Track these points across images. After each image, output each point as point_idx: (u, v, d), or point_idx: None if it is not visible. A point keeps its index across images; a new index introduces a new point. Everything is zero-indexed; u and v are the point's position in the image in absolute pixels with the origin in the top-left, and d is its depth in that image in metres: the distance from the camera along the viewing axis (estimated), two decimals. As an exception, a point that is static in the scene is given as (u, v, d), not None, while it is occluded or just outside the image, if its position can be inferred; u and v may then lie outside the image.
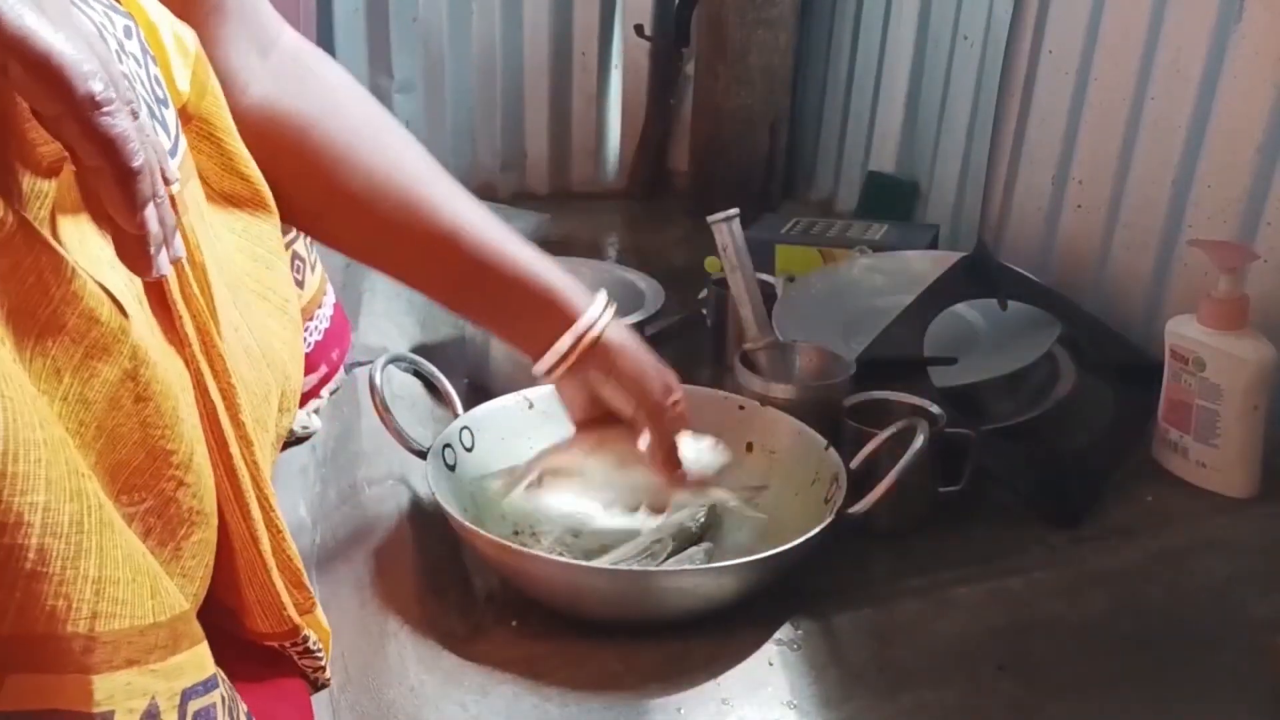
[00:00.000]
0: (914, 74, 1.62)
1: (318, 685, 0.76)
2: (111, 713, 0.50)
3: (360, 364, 1.20)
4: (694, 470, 0.90)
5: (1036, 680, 0.80)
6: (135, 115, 0.49)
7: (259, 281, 0.77)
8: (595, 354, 0.85)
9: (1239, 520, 0.99)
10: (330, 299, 1.01)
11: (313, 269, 0.97)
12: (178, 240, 0.54)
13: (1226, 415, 1.01)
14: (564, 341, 0.84)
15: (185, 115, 0.70)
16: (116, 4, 0.62)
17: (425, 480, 0.91)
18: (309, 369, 0.97)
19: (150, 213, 0.50)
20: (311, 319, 0.97)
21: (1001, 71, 1.42)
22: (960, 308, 1.19)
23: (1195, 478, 1.04)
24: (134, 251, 0.51)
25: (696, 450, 0.91)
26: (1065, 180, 1.35)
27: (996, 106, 1.44)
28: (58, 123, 0.47)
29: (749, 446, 0.99)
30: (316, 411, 1.11)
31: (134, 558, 0.52)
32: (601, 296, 0.87)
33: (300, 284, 0.94)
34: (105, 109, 0.47)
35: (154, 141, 0.51)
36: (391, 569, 0.90)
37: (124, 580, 0.51)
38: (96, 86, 0.46)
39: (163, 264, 0.52)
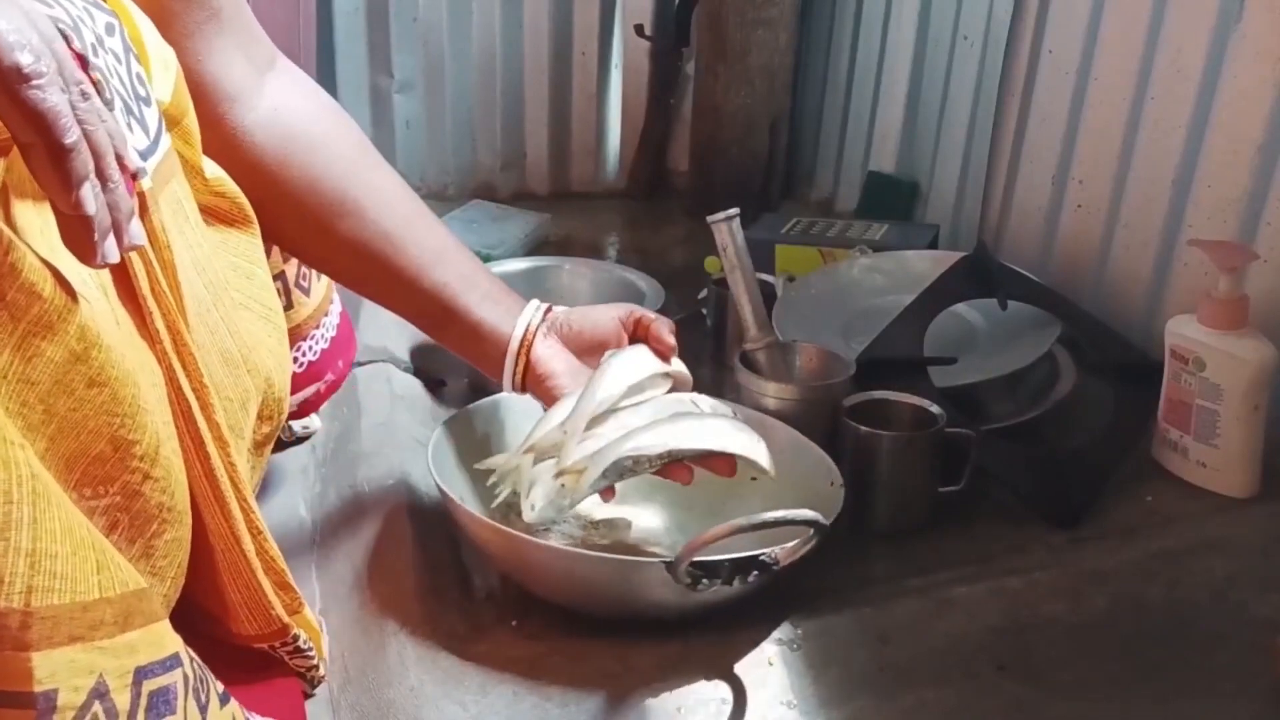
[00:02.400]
0: (914, 74, 1.62)
1: (313, 683, 0.76)
2: (55, 691, 0.48)
3: (360, 364, 1.20)
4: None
5: (1036, 680, 0.80)
6: (86, 96, 0.48)
7: (240, 291, 0.77)
8: (533, 372, 0.91)
9: (1239, 520, 0.99)
10: (336, 307, 1.02)
11: (319, 277, 0.98)
12: (135, 228, 0.52)
13: (1226, 415, 1.01)
14: (507, 366, 0.91)
15: (167, 123, 0.69)
16: (100, 0, 0.62)
17: (428, 470, 0.90)
18: (315, 377, 0.97)
19: (87, 193, 0.48)
20: (318, 326, 0.97)
21: (1001, 71, 1.42)
22: (960, 308, 1.19)
23: (1195, 478, 1.04)
24: (77, 235, 0.49)
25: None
26: (1065, 180, 1.35)
27: (996, 106, 1.44)
28: None
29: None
30: (316, 412, 1.11)
31: (75, 531, 0.50)
32: (528, 310, 0.92)
33: (306, 291, 0.94)
34: (34, 82, 0.46)
35: (110, 125, 0.50)
36: (391, 569, 0.90)
37: (63, 554, 0.49)
38: (24, 58, 0.46)
39: (109, 251, 0.50)
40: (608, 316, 0.93)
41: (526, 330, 0.91)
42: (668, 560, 0.77)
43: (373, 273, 0.89)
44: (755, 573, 0.79)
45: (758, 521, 0.77)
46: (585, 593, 0.83)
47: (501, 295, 0.92)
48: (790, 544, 0.80)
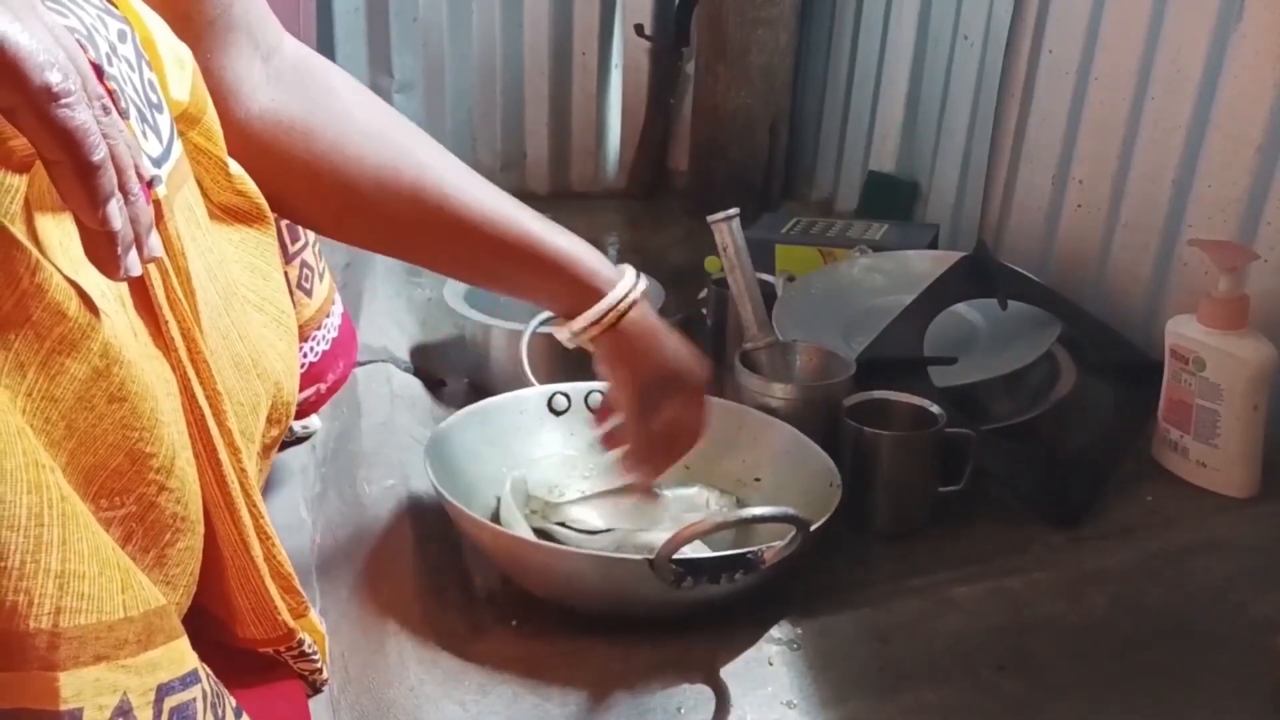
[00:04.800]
0: (914, 74, 1.62)
1: (316, 686, 0.76)
2: (80, 710, 0.49)
3: (360, 364, 1.20)
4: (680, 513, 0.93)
5: (1036, 680, 0.80)
6: (107, 110, 0.48)
7: (255, 293, 0.77)
8: (626, 325, 0.86)
9: (1239, 520, 0.99)
10: (338, 309, 1.01)
11: (320, 278, 0.97)
12: (154, 240, 0.52)
13: (1226, 415, 1.01)
14: (597, 309, 0.86)
15: (184, 125, 0.69)
16: (112, 7, 0.62)
17: (425, 473, 0.90)
18: (316, 378, 0.97)
19: (113, 209, 0.48)
20: (319, 328, 0.96)
21: (1001, 71, 1.42)
22: (960, 308, 1.19)
23: (1195, 477, 1.04)
24: (101, 249, 0.49)
25: (692, 502, 0.93)
26: (1065, 180, 1.35)
27: (996, 106, 1.44)
28: (15, 114, 0.46)
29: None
30: (317, 413, 1.11)
31: (101, 551, 0.51)
32: (631, 272, 0.88)
33: (308, 293, 0.94)
34: (63, 100, 0.46)
35: (126, 137, 0.50)
36: (391, 569, 0.90)
37: (90, 575, 0.50)
38: (54, 77, 0.45)
39: (132, 264, 0.50)
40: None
41: (631, 290, 0.87)
42: (649, 558, 0.77)
43: (428, 228, 0.84)
44: (741, 571, 0.79)
45: (737, 518, 0.77)
46: (577, 591, 0.83)
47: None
48: (778, 543, 0.80)
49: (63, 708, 0.48)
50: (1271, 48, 1.08)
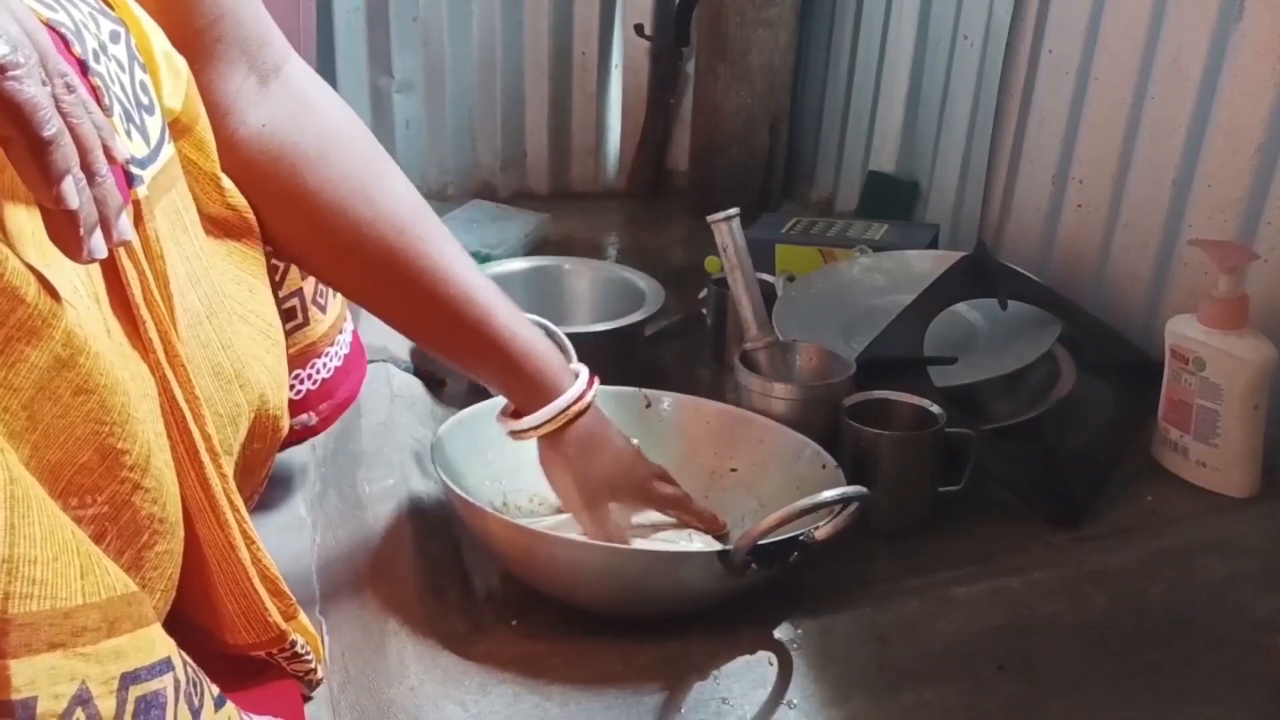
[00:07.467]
0: (914, 74, 1.62)
1: (312, 686, 0.76)
2: (34, 699, 0.47)
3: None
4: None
5: (1036, 680, 0.80)
6: (71, 89, 0.48)
7: (242, 304, 0.76)
8: (570, 433, 0.87)
9: (1239, 520, 0.99)
10: (349, 325, 0.99)
11: (334, 294, 0.96)
12: (124, 223, 0.51)
13: (1226, 415, 1.01)
14: (544, 412, 0.86)
15: (175, 134, 0.68)
16: (107, 8, 0.61)
17: (431, 468, 0.90)
18: (327, 394, 0.95)
19: (69, 187, 0.47)
20: (332, 344, 0.95)
21: (1001, 71, 1.42)
22: (960, 308, 1.19)
23: (1195, 477, 1.04)
24: (60, 229, 0.48)
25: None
26: (1065, 180, 1.35)
27: (996, 106, 1.44)
28: None
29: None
30: (329, 428, 1.10)
31: (58, 535, 0.49)
32: (584, 375, 0.89)
33: (323, 308, 0.92)
34: (10, 73, 0.45)
35: (96, 118, 0.49)
36: (391, 569, 0.90)
37: (44, 560, 0.48)
38: (0, 49, 0.45)
39: (96, 246, 0.49)
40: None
41: (578, 399, 0.87)
42: (725, 549, 0.79)
43: (395, 292, 0.84)
44: (796, 553, 0.81)
45: (808, 505, 0.79)
46: (610, 588, 0.83)
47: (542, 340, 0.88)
48: (823, 524, 0.82)
49: (14, 697, 0.47)
50: (1271, 48, 1.08)
